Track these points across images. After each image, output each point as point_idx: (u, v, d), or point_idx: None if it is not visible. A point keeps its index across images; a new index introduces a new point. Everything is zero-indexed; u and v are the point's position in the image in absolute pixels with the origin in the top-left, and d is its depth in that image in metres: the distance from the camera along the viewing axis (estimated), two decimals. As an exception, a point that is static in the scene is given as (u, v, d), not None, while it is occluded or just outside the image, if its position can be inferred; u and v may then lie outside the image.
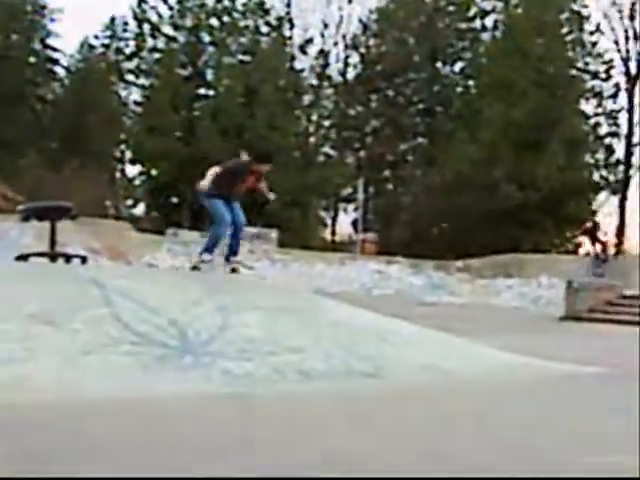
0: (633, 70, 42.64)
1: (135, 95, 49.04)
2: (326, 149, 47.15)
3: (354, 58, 48.35)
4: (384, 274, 26.88)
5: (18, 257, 8.93)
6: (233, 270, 9.82)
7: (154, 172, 44.36)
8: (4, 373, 5.10)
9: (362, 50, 48.23)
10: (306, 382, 5.93)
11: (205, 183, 9.48)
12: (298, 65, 46.72)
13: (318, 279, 25.16)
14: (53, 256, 9.11)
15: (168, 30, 46.41)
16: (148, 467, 3.36)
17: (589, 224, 27.65)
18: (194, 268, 9.66)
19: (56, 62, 48.18)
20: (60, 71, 48.84)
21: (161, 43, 46.74)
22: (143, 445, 3.79)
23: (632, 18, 42.52)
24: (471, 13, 46.81)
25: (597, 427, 4.80)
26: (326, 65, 47.10)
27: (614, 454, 3.94)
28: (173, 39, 46.24)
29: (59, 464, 3.33)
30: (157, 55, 46.79)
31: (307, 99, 46.56)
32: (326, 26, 47.18)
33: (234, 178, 9.85)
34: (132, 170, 48.42)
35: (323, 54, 46.97)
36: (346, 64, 48.06)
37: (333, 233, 47.82)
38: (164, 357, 5.99)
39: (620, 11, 42.80)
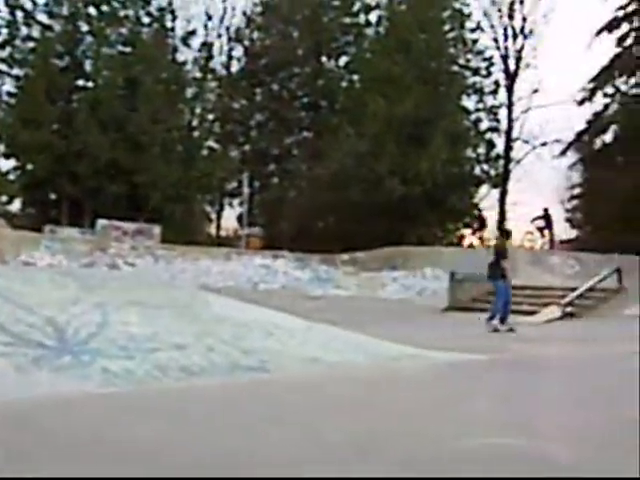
0: (512, 67, 44.20)
1: (8, 86, 47.02)
2: (210, 143, 46.58)
3: (238, 51, 47.98)
4: (270, 269, 26.83)
5: None
6: (510, 329, 13.50)
7: (30, 166, 42.63)
8: None
9: (246, 43, 47.94)
10: (188, 379, 5.80)
11: (492, 269, 13.59)
12: (181, 57, 45.93)
13: (203, 275, 24.84)
14: None
15: (43, 18, 44.72)
16: (21, 471, 3.17)
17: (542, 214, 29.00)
18: (495, 330, 13.49)
19: None
20: None
21: (36, 32, 44.95)
22: (15, 450, 3.58)
23: (511, 17, 44.08)
24: (355, 8, 47.26)
25: (474, 412, 4.87)
26: (209, 58, 46.53)
27: (490, 437, 4.01)
28: (49, 28, 44.58)
29: None
30: (32, 44, 45.00)
31: (190, 92, 45.84)
32: (209, 18, 46.64)
33: (503, 258, 13.65)
34: (6, 164, 46.44)
35: (206, 46, 46.37)
36: (230, 57, 47.65)
37: (218, 228, 47.37)
38: (40, 358, 5.73)
39: (499, 10, 44.29)
